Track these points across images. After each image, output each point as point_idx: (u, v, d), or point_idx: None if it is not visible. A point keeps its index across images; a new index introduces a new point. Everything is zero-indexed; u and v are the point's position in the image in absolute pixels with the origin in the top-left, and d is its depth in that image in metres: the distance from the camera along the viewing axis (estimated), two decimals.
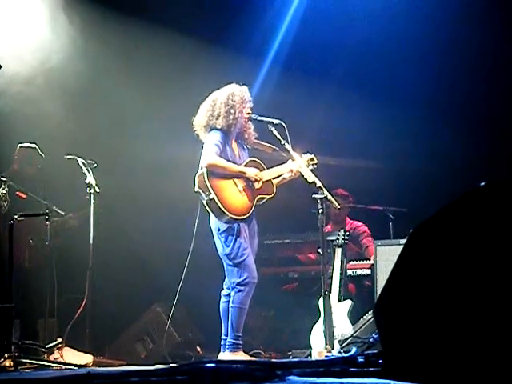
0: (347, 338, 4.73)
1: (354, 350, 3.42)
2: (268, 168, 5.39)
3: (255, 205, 5.23)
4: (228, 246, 5.07)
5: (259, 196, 5.27)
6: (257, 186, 5.26)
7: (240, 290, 5.06)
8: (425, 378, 2.07)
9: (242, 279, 5.05)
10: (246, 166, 5.28)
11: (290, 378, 2.25)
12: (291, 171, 5.34)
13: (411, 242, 2.31)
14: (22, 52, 6.62)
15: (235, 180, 5.18)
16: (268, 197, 5.33)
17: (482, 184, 2.27)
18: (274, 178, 5.38)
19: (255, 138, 5.42)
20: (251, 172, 5.23)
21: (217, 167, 5.08)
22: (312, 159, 5.53)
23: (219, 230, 5.11)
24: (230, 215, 5.03)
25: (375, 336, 4.02)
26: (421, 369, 2.17)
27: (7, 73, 6.15)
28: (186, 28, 7.06)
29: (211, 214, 5.09)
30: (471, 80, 7.01)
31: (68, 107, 6.96)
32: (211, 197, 5.00)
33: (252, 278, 5.07)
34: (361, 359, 2.51)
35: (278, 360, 3.45)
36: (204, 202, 5.05)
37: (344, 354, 4.02)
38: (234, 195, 5.13)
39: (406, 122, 7.16)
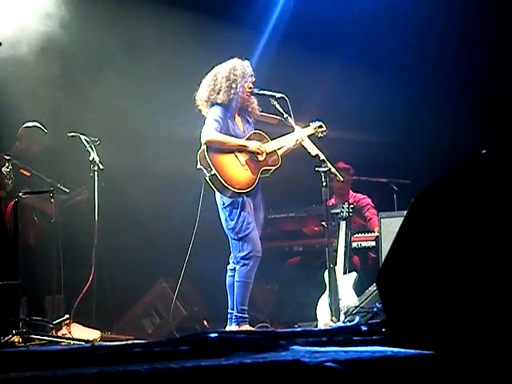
0: (352, 310, 4.75)
1: (357, 319, 3.44)
2: (273, 139, 5.37)
3: (260, 177, 5.22)
4: (232, 220, 5.09)
5: (264, 168, 5.25)
6: (260, 158, 5.24)
7: (244, 264, 5.08)
8: (427, 345, 2.08)
9: (246, 253, 5.07)
10: (248, 139, 5.26)
11: (294, 347, 2.26)
12: (296, 140, 5.30)
13: (413, 211, 2.30)
14: (18, 30, 6.57)
15: (237, 154, 5.17)
16: (273, 168, 5.30)
17: (484, 151, 2.26)
18: (279, 149, 5.36)
19: (260, 111, 5.40)
20: (253, 145, 5.21)
21: (216, 143, 5.07)
22: (321, 126, 5.49)
23: (223, 204, 5.12)
24: (233, 189, 5.03)
25: (379, 305, 4.03)
26: (423, 336, 2.18)
27: (2, 52, 6.11)
28: (185, 2, 7.00)
29: (215, 189, 5.09)
30: (474, 55, 6.96)
31: (68, 85, 6.93)
32: (213, 173, 5.00)
33: (256, 252, 5.09)
34: (364, 328, 2.53)
35: (281, 330, 3.46)
36: (206, 178, 5.05)
37: (347, 324, 4.05)
38: (236, 169, 5.13)
39: (409, 94, 7.12)
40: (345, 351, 2.11)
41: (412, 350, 2.07)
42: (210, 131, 5.06)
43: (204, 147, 5.06)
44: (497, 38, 7.02)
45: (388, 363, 1.91)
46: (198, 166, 5.09)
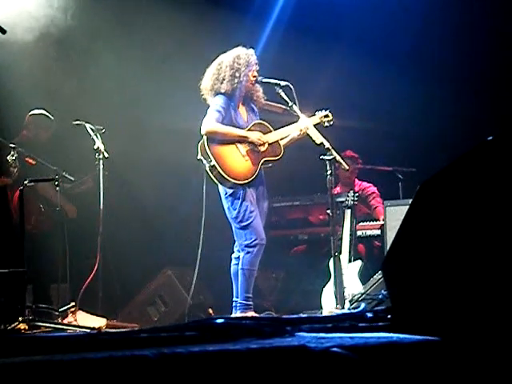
0: (357, 297, 4.76)
1: (362, 305, 3.44)
2: (277, 129, 5.36)
3: (261, 168, 5.21)
4: (235, 210, 5.09)
5: (265, 159, 5.24)
6: (262, 149, 5.23)
7: (248, 252, 5.09)
8: (433, 331, 2.08)
9: (250, 241, 5.08)
10: (250, 129, 5.23)
11: (299, 333, 2.26)
12: (300, 130, 5.29)
13: (419, 197, 2.30)
14: (20, 19, 6.55)
15: (237, 145, 5.16)
16: (275, 159, 5.30)
17: (490, 138, 2.25)
18: (282, 139, 5.35)
19: (265, 100, 5.38)
20: (254, 136, 5.19)
21: (216, 134, 5.07)
22: (327, 115, 5.47)
23: (226, 193, 5.13)
24: (233, 181, 5.03)
25: (384, 293, 4.04)
26: (429, 322, 2.18)
27: (7, 40, 6.10)
28: None
29: (215, 180, 5.09)
30: (480, 42, 6.93)
31: (72, 72, 6.93)
32: (212, 164, 5.00)
33: (260, 240, 5.09)
34: (369, 315, 2.53)
35: (287, 316, 3.47)
36: (206, 169, 5.05)
37: (353, 310, 4.06)
38: (236, 160, 5.11)
39: (416, 82, 7.09)
40: (350, 337, 2.11)
41: (418, 336, 2.07)
42: (210, 122, 5.06)
43: (204, 138, 5.06)
44: (502, 27, 6.99)
45: (394, 349, 1.91)
46: (199, 156, 5.09)
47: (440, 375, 1.90)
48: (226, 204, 5.15)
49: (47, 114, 6.28)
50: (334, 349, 1.76)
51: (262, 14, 7.47)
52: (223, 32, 6.62)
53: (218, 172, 5.00)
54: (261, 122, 5.33)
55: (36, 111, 6.28)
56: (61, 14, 6.70)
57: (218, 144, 5.08)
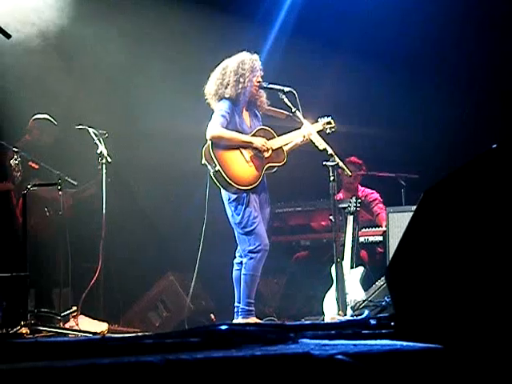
0: (360, 304, 4.76)
1: (366, 312, 3.44)
2: (280, 135, 5.37)
3: (264, 174, 5.22)
4: (238, 215, 5.09)
5: (269, 165, 5.25)
6: (266, 155, 5.24)
7: (252, 258, 5.09)
8: (436, 339, 2.08)
9: (254, 247, 5.08)
10: (254, 135, 5.24)
11: (303, 340, 2.27)
12: (303, 136, 5.30)
13: (423, 204, 2.30)
14: (20, 21, 6.55)
15: (242, 150, 5.17)
16: (278, 165, 5.31)
17: (494, 146, 2.26)
18: (286, 145, 5.36)
19: (268, 105, 5.40)
20: (258, 142, 5.20)
21: (221, 139, 5.07)
22: (329, 122, 5.48)
23: (229, 199, 5.13)
24: (237, 186, 5.03)
25: (387, 299, 4.03)
26: (432, 330, 2.18)
27: (8, 43, 6.10)
28: None
29: (219, 185, 5.10)
30: (483, 50, 6.94)
31: (75, 76, 6.93)
32: (217, 169, 5.00)
33: (264, 246, 5.10)
34: (373, 322, 2.53)
35: (290, 323, 3.47)
36: (211, 174, 5.05)
37: (356, 317, 4.05)
38: (241, 166, 5.12)
39: (420, 89, 7.10)
40: (354, 344, 2.11)
41: (421, 344, 2.07)
42: (215, 127, 5.06)
43: (209, 143, 5.06)
44: (506, 31, 7.00)
45: (397, 357, 1.92)
46: (203, 161, 5.09)
47: (442, 383, 1.91)
48: (229, 209, 5.15)
49: (51, 118, 6.28)
50: (338, 356, 1.77)
51: (267, 21, 7.49)
52: (228, 38, 6.63)
53: (223, 177, 5.01)
54: (264, 127, 5.34)
55: (40, 116, 6.28)
56: (61, 15, 6.70)
57: (223, 149, 5.08)
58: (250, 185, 5.10)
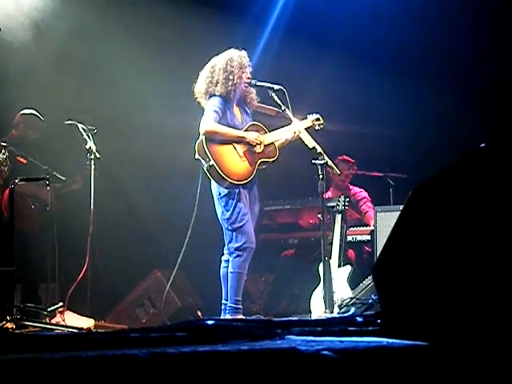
0: (347, 302, 4.77)
1: (352, 310, 3.45)
2: (271, 131, 5.38)
3: (257, 169, 5.23)
4: (228, 211, 5.09)
5: (261, 160, 5.27)
6: (258, 150, 5.26)
7: (238, 255, 5.09)
8: (421, 336, 2.09)
9: (240, 244, 5.08)
10: (246, 130, 5.27)
11: (290, 336, 2.27)
12: (294, 132, 5.32)
13: (411, 203, 2.31)
14: (12, 16, 6.51)
15: (235, 145, 5.18)
16: (270, 160, 5.33)
17: (482, 145, 2.27)
18: (277, 141, 5.38)
19: (258, 102, 5.41)
20: (251, 136, 5.23)
21: (215, 133, 5.08)
22: (318, 119, 5.52)
23: (220, 194, 5.13)
24: (231, 180, 5.04)
25: (374, 297, 4.04)
26: (418, 328, 2.19)
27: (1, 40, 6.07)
28: None
29: (212, 179, 5.10)
30: (474, 45, 6.96)
31: (65, 73, 6.90)
32: (211, 163, 5.01)
33: (250, 243, 5.10)
34: (359, 319, 2.54)
35: (277, 319, 3.48)
36: (204, 168, 5.06)
37: (343, 315, 4.06)
38: (234, 160, 5.14)
39: (407, 88, 7.11)
40: (340, 341, 2.12)
41: (406, 341, 2.08)
42: (208, 122, 5.07)
43: (202, 138, 5.06)
44: (502, 32, 7.02)
45: (383, 353, 1.92)
46: (196, 156, 5.09)
47: (428, 380, 1.91)
48: (219, 205, 5.15)
49: (37, 114, 6.23)
50: (324, 352, 1.77)
51: (259, 19, 7.48)
52: (220, 36, 6.61)
53: (217, 172, 5.01)
54: (256, 123, 5.37)
55: (26, 111, 6.23)
56: (56, 11, 6.67)
57: (217, 144, 5.09)
58: (244, 179, 5.11)
